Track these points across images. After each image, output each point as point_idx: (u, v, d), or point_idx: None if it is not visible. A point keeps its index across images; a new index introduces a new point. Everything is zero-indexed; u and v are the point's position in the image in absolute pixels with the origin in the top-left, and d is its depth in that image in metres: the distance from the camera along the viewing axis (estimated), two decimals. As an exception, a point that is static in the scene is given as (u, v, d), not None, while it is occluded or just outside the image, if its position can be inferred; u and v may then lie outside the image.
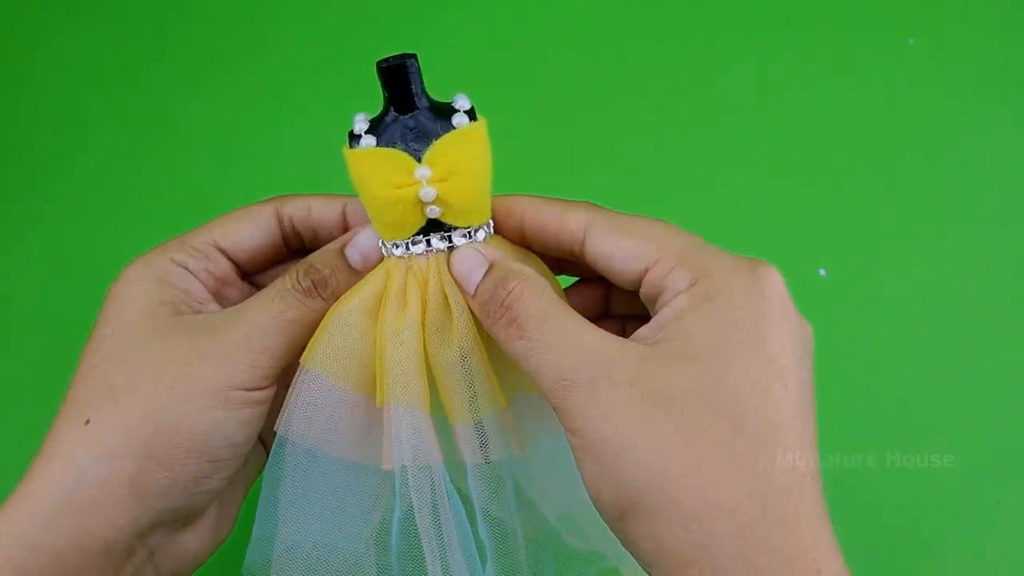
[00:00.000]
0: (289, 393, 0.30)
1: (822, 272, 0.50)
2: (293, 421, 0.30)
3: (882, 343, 0.48)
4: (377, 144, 0.28)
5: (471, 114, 0.28)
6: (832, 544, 0.24)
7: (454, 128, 0.28)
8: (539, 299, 0.26)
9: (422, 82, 0.29)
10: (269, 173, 0.55)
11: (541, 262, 0.31)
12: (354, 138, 0.29)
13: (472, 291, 0.28)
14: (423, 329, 0.29)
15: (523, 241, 0.30)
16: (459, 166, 0.28)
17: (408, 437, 0.29)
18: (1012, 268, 0.51)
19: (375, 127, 0.29)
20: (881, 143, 0.55)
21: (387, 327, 0.29)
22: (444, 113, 0.28)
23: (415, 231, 0.29)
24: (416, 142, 0.28)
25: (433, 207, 0.28)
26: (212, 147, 0.56)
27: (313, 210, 0.32)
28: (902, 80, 0.56)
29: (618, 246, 0.27)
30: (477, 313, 0.28)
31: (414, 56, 0.28)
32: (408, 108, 0.28)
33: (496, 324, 0.27)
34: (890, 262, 0.50)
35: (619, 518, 0.25)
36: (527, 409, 0.31)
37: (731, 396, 0.24)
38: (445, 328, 0.29)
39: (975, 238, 0.52)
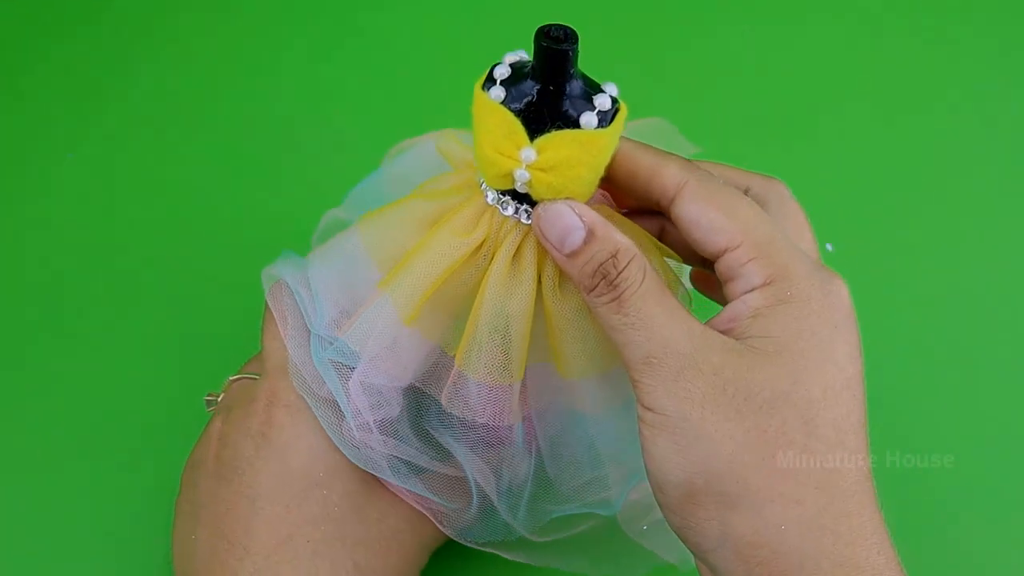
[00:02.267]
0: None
1: (829, 247, 0.49)
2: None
3: (880, 341, 0.45)
4: (504, 101, 0.27)
5: (604, 117, 0.27)
6: (889, 542, 0.26)
7: (579, 126, 0.27)
8: (642, 278, 0.27)
9: (575, 65, 0.27)
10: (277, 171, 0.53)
11: (632, 225, 0.31)
12: (490, 79, 0.28)
13: (566, 252, 0.28)
14: (471, 259, 0.29)
15: (607, 179, 0.30)
16: (563, 166, 0.27)
17: (373, 323, 0.30)
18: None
19: (512, 80, 0.27)
20: (891, 118, 0.54)
21: (439, 236, 0.29)
22: (584, 102, 0.27)
23: (502, 189, 0.28)
24: (542, 119, 0.27)
25: (522, 184, 0.27)
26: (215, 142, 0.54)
27: None
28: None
29: (704, 216, 0.28)
30: (573, 276, 0.28)
31: (575, 43, 0.26)
32: (552, 85, 0.27)
33: (599, 297, 0.27)
34: (892, 254, 0.49)
35: (685, 499, 0.26)
36: (534, 380, 0.32)
37: (806, 397, 0.26)
38: (501, 281, 0.29)
39: (981, 235, 0.50)
